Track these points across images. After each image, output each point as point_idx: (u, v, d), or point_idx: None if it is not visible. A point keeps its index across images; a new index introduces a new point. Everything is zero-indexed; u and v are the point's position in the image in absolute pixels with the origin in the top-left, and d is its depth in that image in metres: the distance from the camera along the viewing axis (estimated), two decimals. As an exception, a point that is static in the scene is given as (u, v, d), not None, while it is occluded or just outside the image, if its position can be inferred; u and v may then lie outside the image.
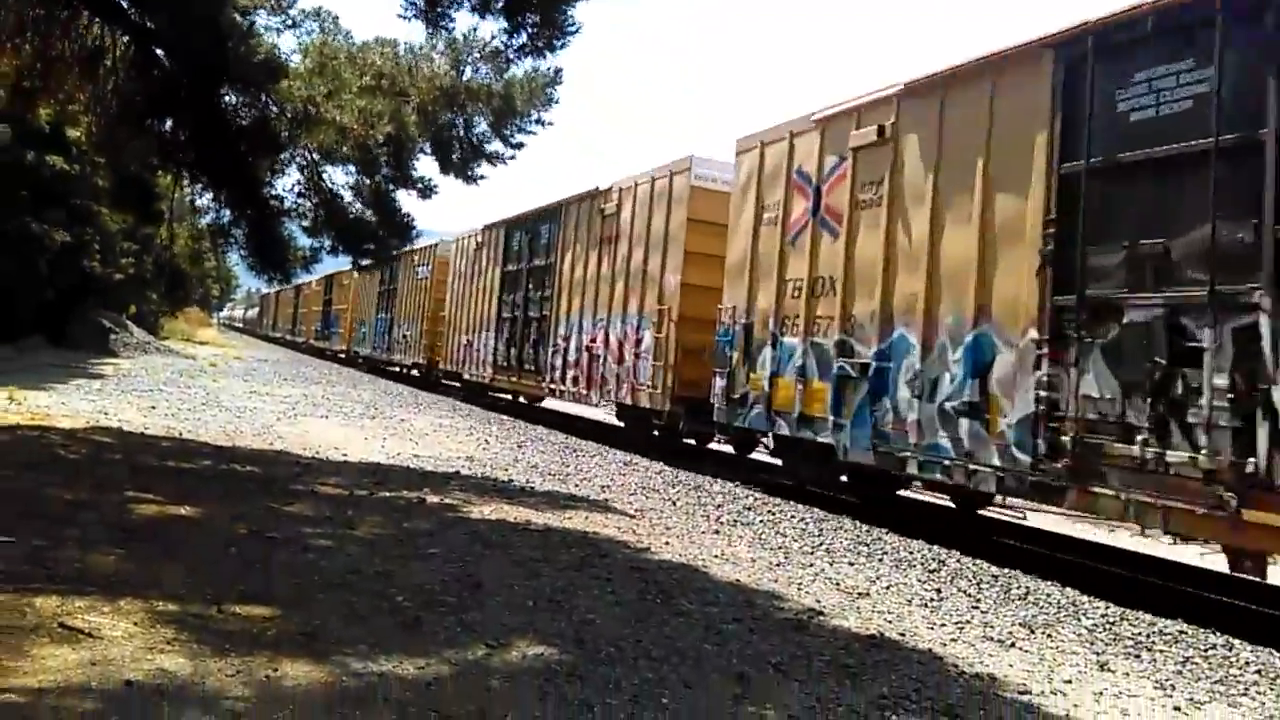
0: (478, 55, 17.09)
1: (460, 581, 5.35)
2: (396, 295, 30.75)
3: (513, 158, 19.87)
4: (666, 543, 7.39)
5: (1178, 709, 4.59)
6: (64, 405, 12.54)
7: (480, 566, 5.78)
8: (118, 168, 15.90)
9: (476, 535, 6.76)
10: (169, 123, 13.47)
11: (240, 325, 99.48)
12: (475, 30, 14.08)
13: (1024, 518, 10.03)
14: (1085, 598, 6.86)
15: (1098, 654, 5.44)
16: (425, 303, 27.14)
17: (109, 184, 19.30)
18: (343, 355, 38.18)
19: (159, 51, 12.37)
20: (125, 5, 11.96)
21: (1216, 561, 8.43)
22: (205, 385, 18.99)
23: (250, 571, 5.14)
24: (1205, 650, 5.73)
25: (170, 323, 43.12)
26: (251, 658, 3.76)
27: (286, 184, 18.35)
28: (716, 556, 7.09)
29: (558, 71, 19.46)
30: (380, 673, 3.77)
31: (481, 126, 19.71)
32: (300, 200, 16.74)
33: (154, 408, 13.51)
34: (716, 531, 8.27)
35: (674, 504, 9.61)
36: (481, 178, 19.91)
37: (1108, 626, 6.13)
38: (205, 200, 15.94)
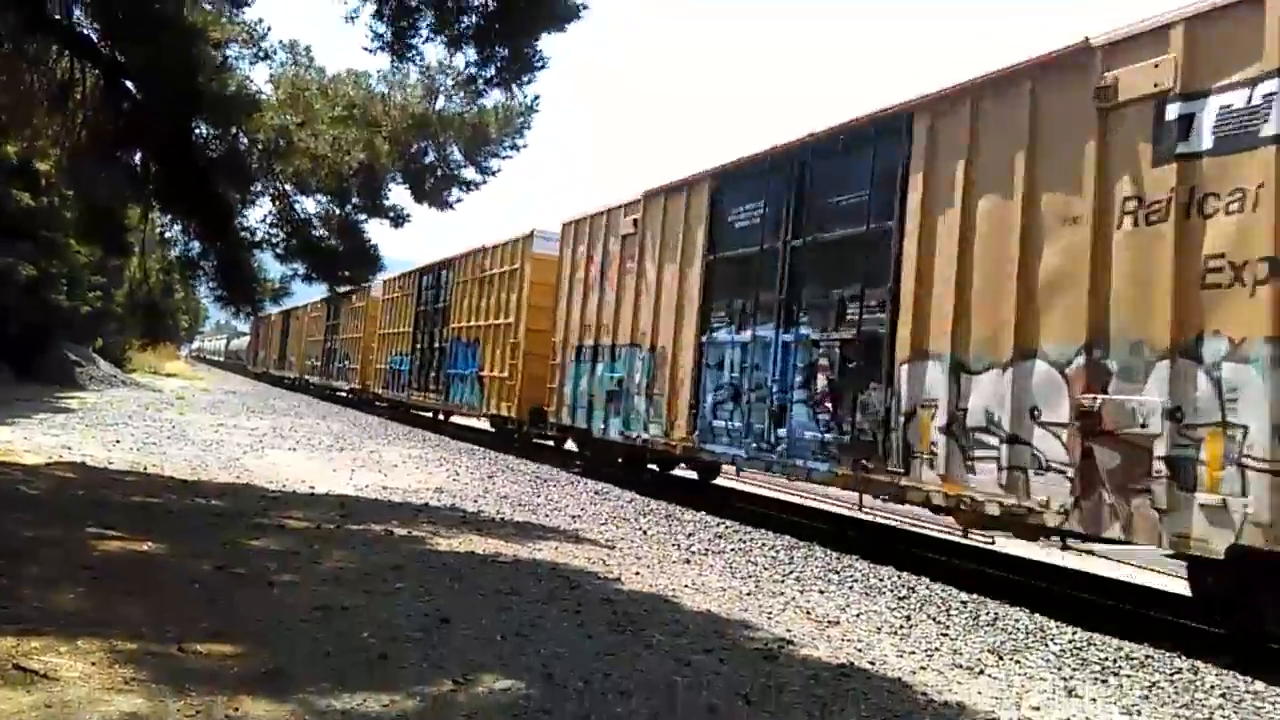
0: (451, 83, 17.15)
1: (428, 616, 5.30)
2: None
3: (486, 184, 19.94)
4: (637, 573, 7.37)
5: (1144, 734, 4.62)
6: (27, 440, 12.38)
7: (448, 600, 5.73)
8: (87, 200, 15.78)
9: (445, 568, 6.71)
10: (139, 155, 13.41)
11: (219, 358, 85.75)
12: (450, 58, 14.11)
13: (992, 542, 10.09)
14: (1053, 623, 6.89)
15: (1065, 679, 5.47)
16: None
17: (77, 217, 19.16)
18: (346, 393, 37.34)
19: (130, 85, 12.32)
20: (96, 39, 11.93)
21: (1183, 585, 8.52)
22: (172, 418, 18.80)
23: (213, 608, 5.08)
24: (1171, 674, 5.77)
25: (138, 355, 42.68)
26: (213, 697, 3.70)
27: (258, 215, 18.26)
28: (687, 586, 7.07)
29: (535, 99, 19.52)
30: (345, 710, 3.73)
31: (455, 154, 19.75)
32: (273, 230, 16.67)
33: (119, 441, 13.35)
34: (688, 561, 8.26)
35: (645, 533, 9.59)
36: (457, 202, 19.94)
37: (1075, 651, 6.16)
38: (174, 232, 15.86)
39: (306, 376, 40.52)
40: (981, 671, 5.46)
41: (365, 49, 9.97)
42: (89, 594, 5.12)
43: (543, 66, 10.78)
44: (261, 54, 15.26)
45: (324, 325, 36.66)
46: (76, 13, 11.93)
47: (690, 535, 9.69)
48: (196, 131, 13.34)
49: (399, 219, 19.68)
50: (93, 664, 3.97)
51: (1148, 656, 6.13)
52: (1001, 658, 5.85)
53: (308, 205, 17.42)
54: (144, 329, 30.07)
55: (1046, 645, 6.28)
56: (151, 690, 3.73)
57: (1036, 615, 7.09)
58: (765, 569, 8.21)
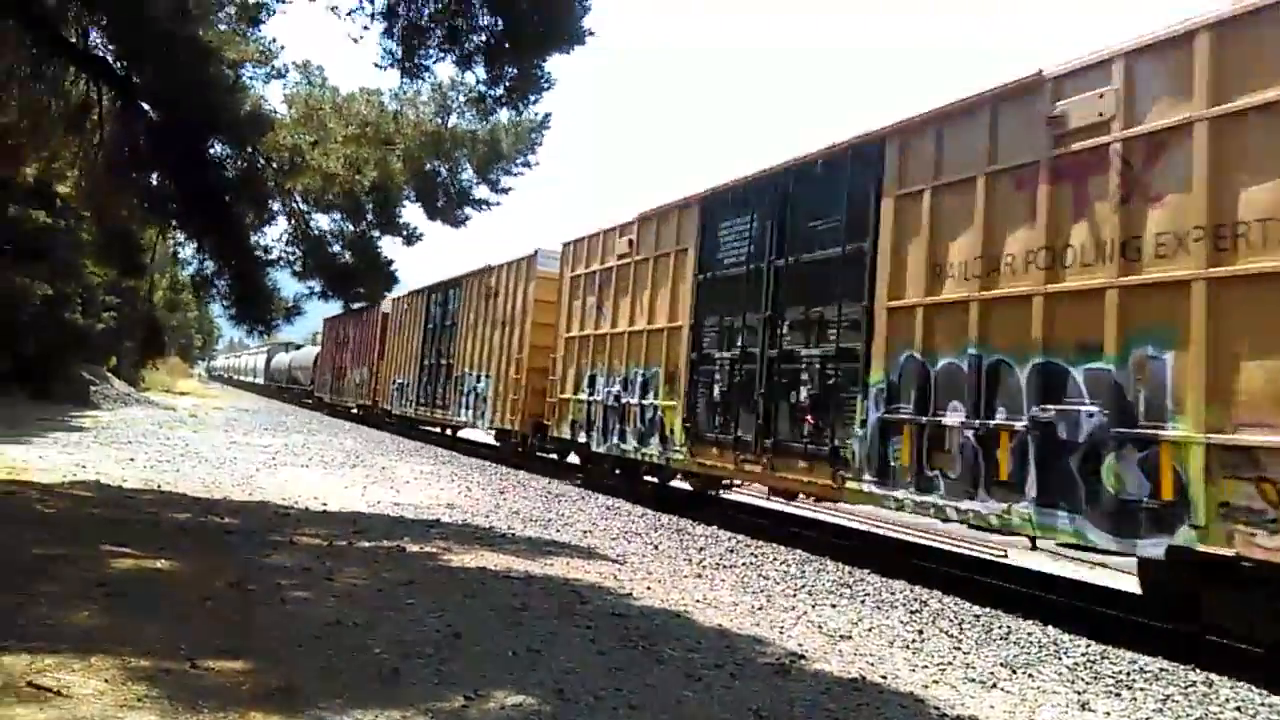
0: (463, 101, 17.30)
1: (440, 632, 5.32)
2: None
3: (498, 203, 20.10)
4: (649, 588, 7.37)
5: (1158, 748, 4.59)
6: (41, 459, 12.45)
7: (460, 616, 5.74)
8: (104, 221, 15.93)
9: (457, 584, 6.72)
10: (155, 176, 13.54)
11: (250, 379, 69.72)
12: (461, 76, 14.24)
13: (1005, 555, 10.04)
14: (1067, 636, 6.86)
15: (1079, 693, 5.44)
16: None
17: (94, 237, 19.34)
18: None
19: (145, 106, 12.45)
20: (112, 61, 12.07)
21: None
22: (185, 436, 18.89)
23: (226, 625, 5.10)
24: (1185, 688, 5.74)
25: (151, 374, 42.92)
26: (225, 714, 3.72)
27: (275, 233, 18.42)
28: (699, 601, 7.07)
29: (546, 116, 19.68)
30: (355, 726, 3.74)
31: (467, 172, 19.91)
32: (289, 249, 16.80)
33: (133, 460, 13.43)
34: (699, 575, 8.25)
35: (656, 548, 9.58)
36: (468, 220, 20.09)
37: (1089, 665, 6.13)
38: (188, 252, 16.01)
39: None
40: (995, 685, 5.44)
41: (376, 65, 10.10)
42: (103, 612, 5.15)
43: (549, 86, 10.96)
44: (275, 73, 15.43)
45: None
46: (93, 35, 12.08)
47: (701, 550, 9.68)
48: (212, 151, 13.47)
49: (412, 237, 19.81)
50: (106, 681, 3.99)
51: (1162, 669, 6.10)
52: (1015, 671, 5.83)
53: (322, 223, 17.59)
54: (143, 345, 30.39)
55: (1060, 659, 6.25)
56: (164, 707, 3.75)
57: (1050, 628, 7.06)
58: (777, 583, 8.20)
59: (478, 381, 20.41)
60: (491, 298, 20.11)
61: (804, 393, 10.04)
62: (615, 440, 13.95)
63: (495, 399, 19.30)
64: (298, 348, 54.48)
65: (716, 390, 11.58)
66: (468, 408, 20.99)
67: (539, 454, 18.05)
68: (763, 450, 10.58)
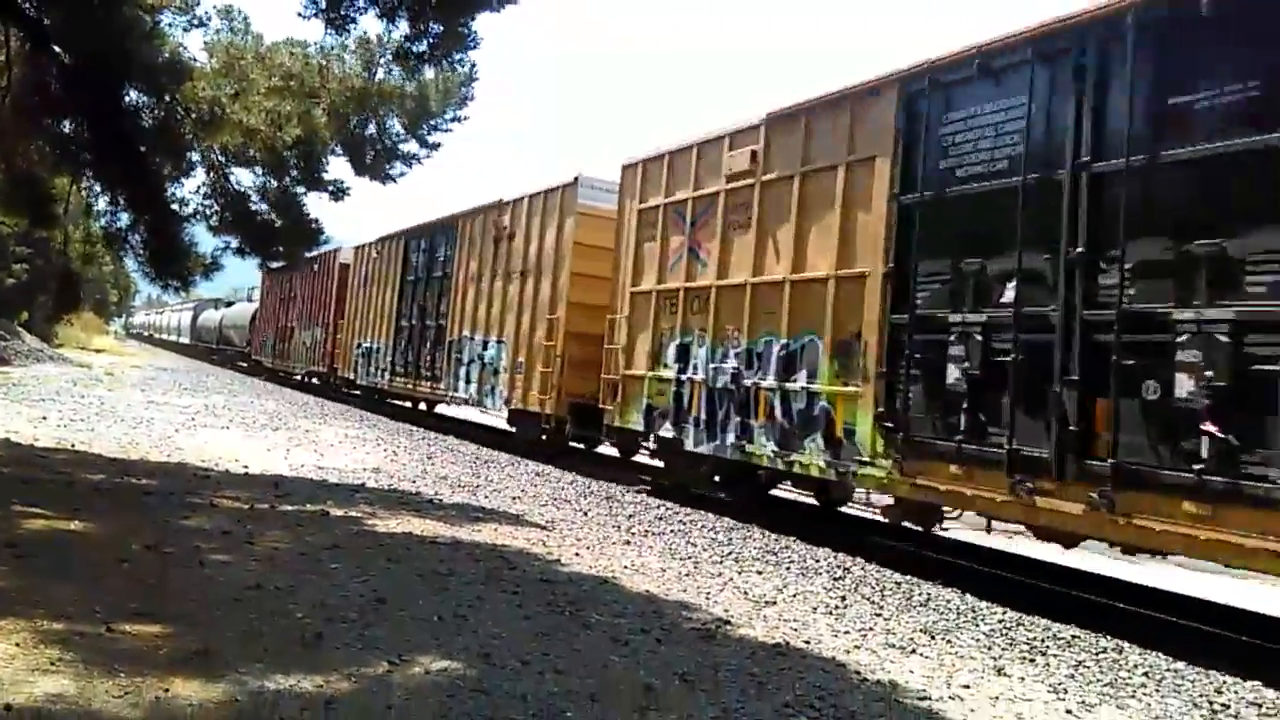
0: (390, 56, 16.88)
1: (363, 597, 5.25)
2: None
3: (429, 157, 19.71)
4: (577, 554, 7.37)
5: (1069, 712, 4.74)
6: (-53, 415, 11.99)
7: (385, 581, 5.68)
8: (11, 168, 15.26)
9: (382, 549, 6.64)
10: (67, 123, 13.01)
11: (175, 339, 61.98)
12: (389, 32, 13.90)
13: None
14: (984, 604, 7.04)
15: (995, 659, 5.59)
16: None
17: (1, 186, 18.53)
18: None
19: (57, 49, 11.92)
20: (21, 1, 11.51)
21: (1108, 566, 8.77)
22: (101, 395, 18.33)
23: (143, 588, 4.97)
24: (1097, 654, 5.94)
25: (65, 330, 41.54)
26: (142, 678, 3.63)
27: (192, 186, 17.81)
28: (627, 568, 7.09)
29: (473, 67, 19.27)
30: (278, 690, 3.68)
31: (395, 127, 19.48)
32: (207, 202, 16.29)
33: (45, 418, 12.98)
34: (628, 542, 8.28)
35: (586, 515, 9.59)
36: (400, 176, 19.65)
37: (1004, 632, 6.31)
38: (103, 204, 15.42)
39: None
40: (914, 651, 5.56)
41: (300, 15, 9.80)
42: (13, 573, 4.98)
43: (475, 45, 10.89)
44: (195, 21, 14.87)
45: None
46: (2, -26, 11.50)
47: (631, 517, 9.72)
48: (127, 99, 12.96)
49: (339, 192, 19.34)
50: (17, 645, 3.86)
51: (1074, 636, 6.30)
52: (933, 637, 5.97)
53: (244, 178, 17.07)
54: (58, 299, 29.27)
55: (977, 625, 6.42)
56: (79, 671, 3.64)
57: (968, 596, 7.24)
58: (704, 550, 8.27)
59: (484, 348, 16.49)
60: (505, 240, 16.16)
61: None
62: (731, 438, 10.01)
63: (512, 371, 15.33)
64: (229, 304, 47.61)
65: (955, 373, 7.55)
66: (469, 381, 16.99)
67: (572, 444, 14.61)
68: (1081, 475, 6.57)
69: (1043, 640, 6.16)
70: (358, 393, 23.75)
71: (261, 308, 35.38)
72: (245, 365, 37.64)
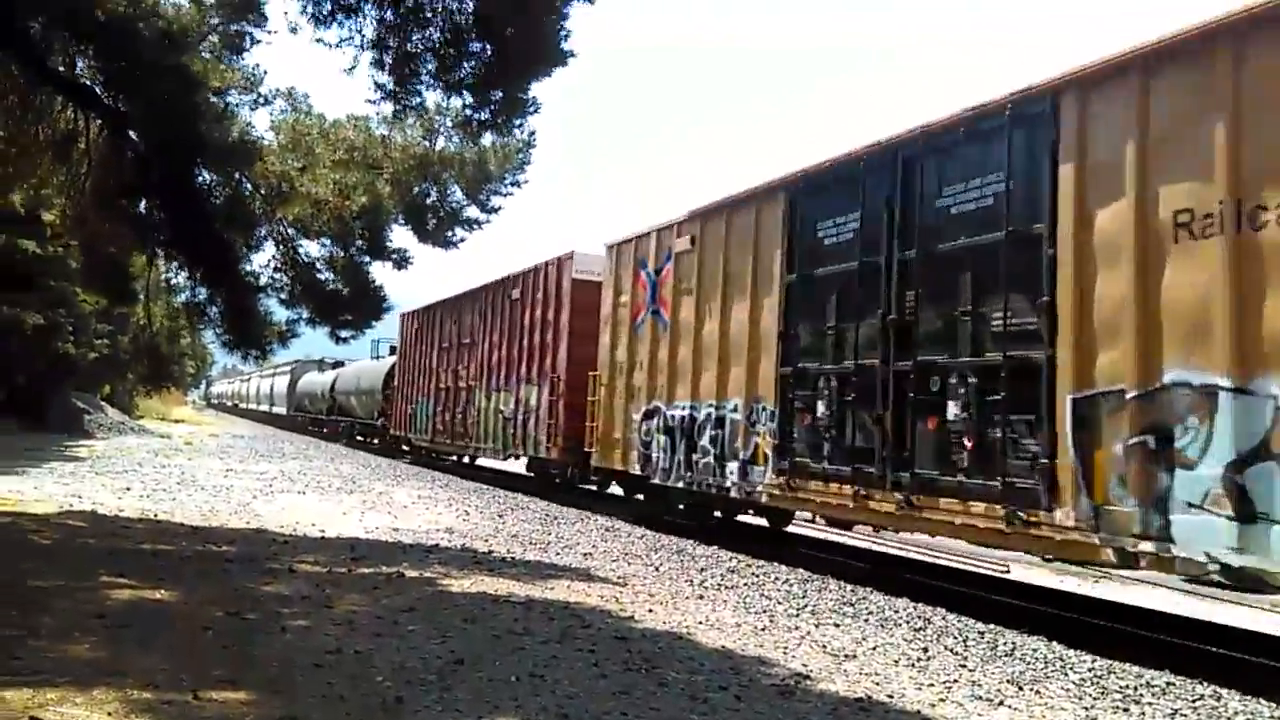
0: (450, 123, 17.30)
1: (441, 658, 5.27)
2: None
3: (489, 222, 20.07)
4: (650, 610, 7.32)
5: (1169, 763, 4.55)
6: (37, 490, 12.38)
7: (461, 642, 5.70)
8: (91, 249, 15.89)
9: (458, 609, 6.67)
10: (143, 203, 13.53)
11: (252, 406, 61.09)
12: (448, 101, 14.28)
13: (1008, 570, 10.02)
14: (1072, 651, 6.82)
15: (1086, 709, 5.40)
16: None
17: (82, 265, 19.29)
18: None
19: (133, 134, 12.45)
20: (98, 90, 12.06)
21: (1200, 609, 8.45)
22: (181, 464, 18.80)
23: (227, 655, 5.05)
24: (1194, 701, 5.71)
25: (145, 402, 42.80)
26: (228, 745, 3.68)
27: (262, 259, 18.33)
28: (701, 623, 7.02)
29: (531, 135, 19.69)
30: (361, 756, 3.70)
31: (456, 194, 19.89)
32: (277, 275, 16.76)
33: (129, 489, 13.35)
34: (701, 597, 8.20)
35: (657, 570, 9.53)
36: (460, 241, 20.02)
37: (1095, 680, 6.10)
38: (180, 279, 15.96)
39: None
40: (1002, 703, 5.40)
41: (369, 100, 10.12)
42: (102, 643, 5.10)
43: (535, 110, 11.09)
44: (260, 100, 15.44)
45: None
46: (80, 64, 12.09)
47: (703, 571, 9.63)
48: (199, 178, 13.46)
49: (402, 261, 19.76)
50: (109, 714, 3.94)
51: (1169, 683, 6.07)
52: (1021, 688, 5.79)
53: (311, 249, 17.54)
54: (149, 375, 30.12)
55: (1066, 674, 6.22)
56: (167, 740, 3.70)
57: (1055, 644, 7.03)
58: (779, 603, 8.15)
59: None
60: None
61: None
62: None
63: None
64: (336, 364, 39.46)
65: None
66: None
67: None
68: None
69: (1135, 688, 5.94)
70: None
71: (403, 362, 26.82)
72: (377, 443, 30.14)
